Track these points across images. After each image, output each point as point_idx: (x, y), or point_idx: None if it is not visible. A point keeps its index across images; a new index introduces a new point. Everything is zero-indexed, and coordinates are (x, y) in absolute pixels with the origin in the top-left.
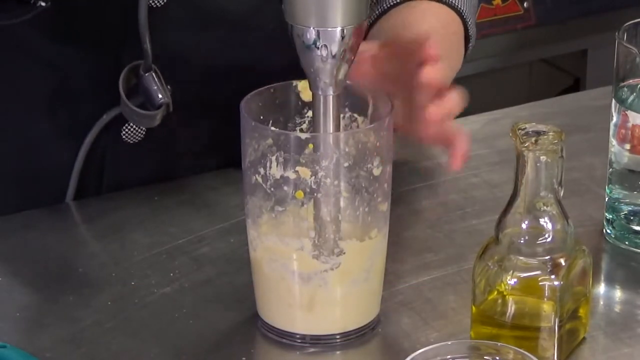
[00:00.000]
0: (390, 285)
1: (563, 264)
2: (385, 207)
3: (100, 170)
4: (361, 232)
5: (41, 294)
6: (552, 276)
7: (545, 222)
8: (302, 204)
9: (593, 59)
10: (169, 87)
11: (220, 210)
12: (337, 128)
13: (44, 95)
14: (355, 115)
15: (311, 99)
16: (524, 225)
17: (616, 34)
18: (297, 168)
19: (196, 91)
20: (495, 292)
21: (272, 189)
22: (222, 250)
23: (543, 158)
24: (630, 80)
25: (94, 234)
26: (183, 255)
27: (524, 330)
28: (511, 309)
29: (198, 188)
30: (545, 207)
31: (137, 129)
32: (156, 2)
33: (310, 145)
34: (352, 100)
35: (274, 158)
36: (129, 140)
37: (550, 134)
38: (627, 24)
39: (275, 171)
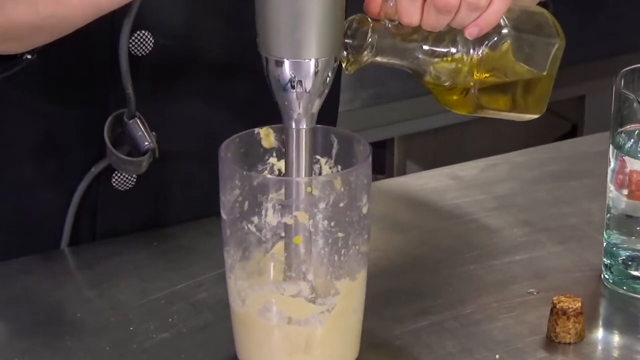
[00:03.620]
0: (388, 331)
1: None
2: (368, 246)
3: (93, 217)
4: (352, 271)
5: (39, 339)
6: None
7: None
8: (298, 248)
9: (591, 104)
10: (153, 133)
11: (218, 256)
12: (310, 162)
13: (33, 145)
14: (317, 157)
15: (272, 145)
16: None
17: (613, 79)
18: (295, 213)
19: (185, 139)
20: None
21: (267, 237)
22: (221, 295)
23: None
24: (628, 126)
25: (91, 280)
26: (181, 300)
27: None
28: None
29: (196, 234)
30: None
31: (127, 176)
32: (140, 51)
33: (309, 189)
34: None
35: (270, 205)
36: (119, 188)
37: None
38: (624, 70)
39: (272, 218)
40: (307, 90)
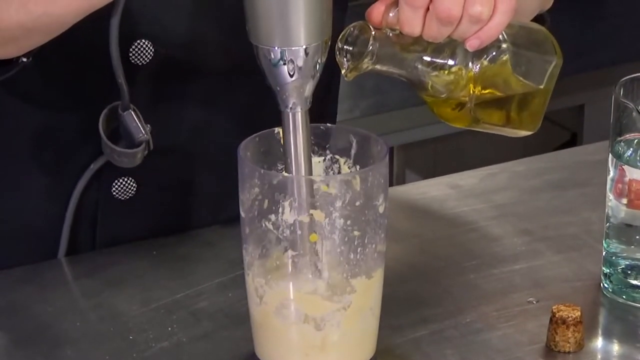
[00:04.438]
0: (388, 340)
1: None
2: (385, 245)
3: (93, 226)
4: (368, 269)
5: (39, 349)
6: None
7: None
8: (315, 246)
9: (590, 114)
10: (148, 125)
11: (218, 265)
12: (307, 145)
13: (30, 147)
14: (337, 157)
15: None
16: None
17: (613, 89)
18: (311, 211)
19: (186, 147)
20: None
21: (284, 234)
22: (220, 304)
23: None
24: (627, 135)
25: (91, 289)
26: (181, 309)
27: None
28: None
29: (196, 243)
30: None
31: (127, 185)
32: (140, 60)
33: (324, 187)
34: (332, 143)
35: (286, 204)
36: (119, 197)
37: None
38: (623, 79)
39: (289, 216)
40: (298, 76)
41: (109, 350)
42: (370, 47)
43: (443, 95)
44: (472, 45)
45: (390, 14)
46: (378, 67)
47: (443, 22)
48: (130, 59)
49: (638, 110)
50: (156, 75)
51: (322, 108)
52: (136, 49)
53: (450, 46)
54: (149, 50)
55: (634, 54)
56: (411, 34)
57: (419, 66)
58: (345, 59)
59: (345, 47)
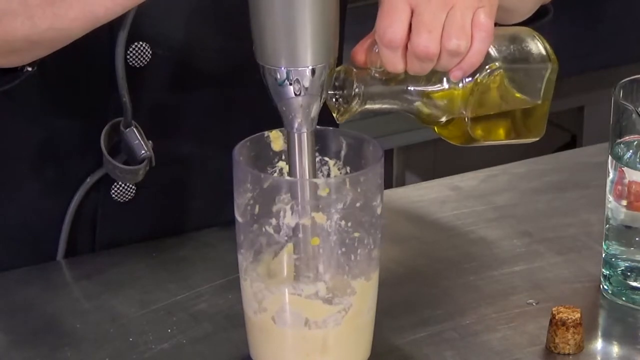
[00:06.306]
0: (388, 341)
1: None
2: (380, 246)
3: (93, 229)
4: (367, 270)
5: (39, 350)
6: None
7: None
8: (316, 249)
9: (590, 115)
10: (150, 142)
11: (218, 266)
12: (313, 165)
13: (30, 155)
14: (326, 159)
15: (282, 148)
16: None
17: (612, 90)
18: (313, 214)
19: (185, 149)
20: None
21: (285, 238)
22: (220, 306)
23: None
24: (627, 137)
25: (90, 291)
26: (181, 311)
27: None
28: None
29: (195, 245)
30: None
31: (126, 188)
32: (138, 62)
33: (327, 190)
34: (321, 144)
35: (287, 207)
36: (119, 199)
37: None
38: (623, 80)
39: (290, 220)
40: (305, 96)
41: (109, 351)
42: (356, 90)
43: (441, 120)
44: (455, 76)
45: (375, 50)
46: (369, 106)
47: (422, 59)
48: (128, 61)
49: (638, 112)
50: (155, 77)
51: (323, 110)
52: (134, 51)
53: (439, 72)
54: (146, 53)
55: (633, 55)
56: (395, 72)
57: (411, 97)
58: (335, 103)
59: (333, 91)
